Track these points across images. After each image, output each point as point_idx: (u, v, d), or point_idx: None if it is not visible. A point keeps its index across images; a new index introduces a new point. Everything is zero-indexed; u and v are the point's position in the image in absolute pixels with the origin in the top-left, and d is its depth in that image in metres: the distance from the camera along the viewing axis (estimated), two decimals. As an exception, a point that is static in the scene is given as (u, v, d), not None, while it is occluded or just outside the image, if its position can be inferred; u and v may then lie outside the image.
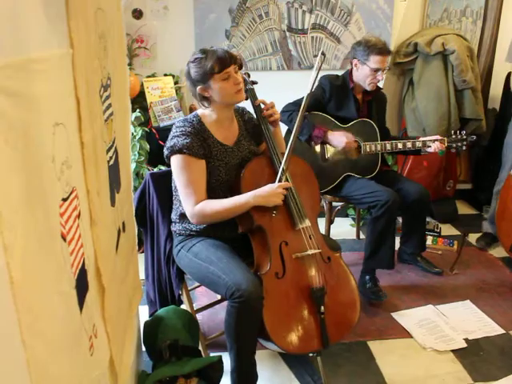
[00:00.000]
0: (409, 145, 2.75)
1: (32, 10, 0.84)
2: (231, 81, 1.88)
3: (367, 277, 2.69)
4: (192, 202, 1.89)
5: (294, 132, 2.04)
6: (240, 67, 1.94)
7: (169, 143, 1.94)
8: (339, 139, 2.69)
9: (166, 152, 1.95)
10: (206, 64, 1.85)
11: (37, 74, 0.81)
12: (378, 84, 2.86)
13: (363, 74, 2.70)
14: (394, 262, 2.70)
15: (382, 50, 2.64)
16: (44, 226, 0.83)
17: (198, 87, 1.91)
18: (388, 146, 2.76)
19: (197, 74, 1.89)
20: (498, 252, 3.26)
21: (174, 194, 2.08)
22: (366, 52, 2.65)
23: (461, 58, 3.48)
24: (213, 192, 1.95)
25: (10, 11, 0.74)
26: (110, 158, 1.34)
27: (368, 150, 2.75)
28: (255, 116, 2.12)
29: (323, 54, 2.08)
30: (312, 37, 3.57)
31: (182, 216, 2.01)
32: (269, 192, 1.90)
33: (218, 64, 1.84)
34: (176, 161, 1.91)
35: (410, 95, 3.71)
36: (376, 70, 2.65)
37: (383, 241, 2.62)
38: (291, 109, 2.69)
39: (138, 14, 3.34)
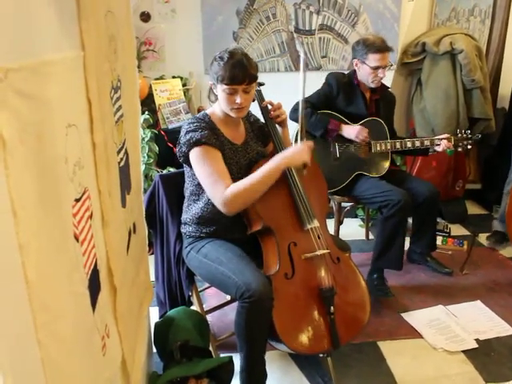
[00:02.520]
0: (417, 143, 2.79)
1: (44, 12, 0.85)
2: (234, 98, 1.87)
3: (375, 275, 2.69)
4: (221, 189, 1.83)
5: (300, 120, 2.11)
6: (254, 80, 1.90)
7: (184, 139, 1.91)
8: (351, 130, 2.72)
9: (183, 149, 1.91)
10: (219, 69, 1.85)
11: (50, 76, 0.82)
12: (386, 83, 2.86)
13: (364, 73, 2.71)
14: (402, 263, 2.69)
15: (379, 47, 2.63)
16: (57, 227, 0.84)
17: (210, 82, 1.93)
18: (398, 145, 2.78)
19: (211, 70, 1.91)
20: (509, 252, 3.24)
21: (186, 195, 2.07)
22: (364, 51, 2.66)
23: (469, 58, 3.46)
24: None
25: (24, 14, 0.75)
26: (121, 159, 1.35)
27: (378, 148, 2.76)
28: (262, 117, 2.12)
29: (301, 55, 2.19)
30: (319, 38, 3.57)
31: (199, 218, 1.99)
32: (295, 150, 1.93)
33: (227, 78, 1.83)
34: (196, 153, 1.89)
35: (418, 95, 3.70)
36: (376, 68, 2.65)
37: (393, 241, 2.61)
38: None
39: (145, 16, 3.36)
